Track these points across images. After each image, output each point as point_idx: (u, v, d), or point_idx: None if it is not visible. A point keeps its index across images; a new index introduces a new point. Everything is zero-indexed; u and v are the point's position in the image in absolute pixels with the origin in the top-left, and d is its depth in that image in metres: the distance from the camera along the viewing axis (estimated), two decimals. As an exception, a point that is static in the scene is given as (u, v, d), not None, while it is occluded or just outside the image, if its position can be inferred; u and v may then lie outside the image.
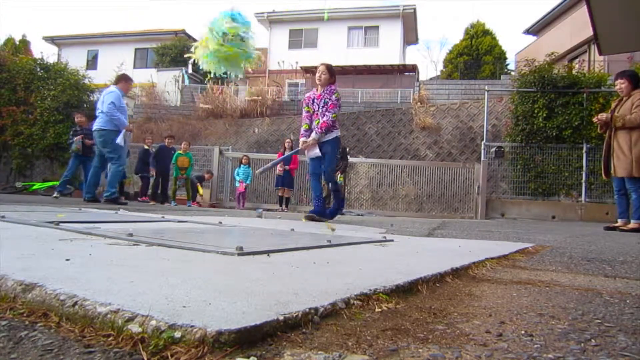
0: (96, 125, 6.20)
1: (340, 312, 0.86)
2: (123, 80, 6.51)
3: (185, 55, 4.98)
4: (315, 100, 4.56)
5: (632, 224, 4.78)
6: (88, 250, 1.41)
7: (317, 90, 4.62)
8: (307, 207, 11.03)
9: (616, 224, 5.06)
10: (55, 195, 7.16)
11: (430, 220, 7.05)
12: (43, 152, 12.78)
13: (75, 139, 7.48)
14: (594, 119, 5.33)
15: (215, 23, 4.53)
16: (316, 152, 4.47)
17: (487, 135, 10.50)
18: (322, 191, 4.94)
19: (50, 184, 11.59)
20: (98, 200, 6.42)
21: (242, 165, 10.59)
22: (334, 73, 4.62)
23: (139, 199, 9.61)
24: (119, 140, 6.27)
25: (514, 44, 66.73)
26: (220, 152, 11.73)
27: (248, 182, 10.57)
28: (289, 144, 9.74)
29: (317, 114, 4.54)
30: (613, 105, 5.21)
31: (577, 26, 15.68)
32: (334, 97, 4.47)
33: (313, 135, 4.47)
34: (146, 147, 9.78)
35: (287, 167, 9.68)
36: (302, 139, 4.62)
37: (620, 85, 4.99)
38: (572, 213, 9.27)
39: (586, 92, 9.40)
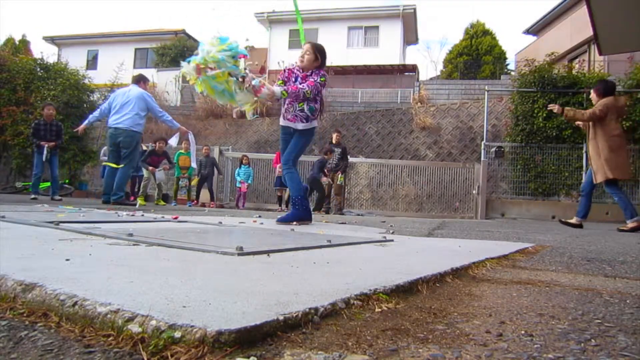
0: (121, 124, 6.05)
1: (340, 312, 0.86)
2: (142, 81, 6.53)
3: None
4: (299, 78, 3.74)
5: (630, 224, 4.90)
6: (88, 250, 1.41)
7: (300, 69, 3.77)
8: (307, 207, 11.02)
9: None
10: (33, 197, 6.92)
11: (430, 220, 7.05)
12: (43, 152, 12.76)
13: (45, 147, 7.13)
14: (550, 107, 5.79)
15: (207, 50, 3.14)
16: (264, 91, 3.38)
17: (487, 135, 10.50)
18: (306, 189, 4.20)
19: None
20: (109, 202, 6.38)
21: (242, 166, 10.58)
22: (320, 56, 3.73)
23: (130, 198, 9.62)
24: (173, 141, 6.69)
25: (514, 44, 66.74)
26: (220, 152, 11.73)
27: (249, 182, 10.56)
28: None
29: (291, 84, 3.70)
30: None
31: (577, 26, 15.68)
32: (319, 78, 3.67)
33: (274, 88, 3.49)
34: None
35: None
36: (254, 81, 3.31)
37: (592, 96, 5.45)
38: (572, 213, 9.17)
39: (586, 92, 9.39)
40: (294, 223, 3.58)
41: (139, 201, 8.01)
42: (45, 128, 7.32)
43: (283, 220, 3.66)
